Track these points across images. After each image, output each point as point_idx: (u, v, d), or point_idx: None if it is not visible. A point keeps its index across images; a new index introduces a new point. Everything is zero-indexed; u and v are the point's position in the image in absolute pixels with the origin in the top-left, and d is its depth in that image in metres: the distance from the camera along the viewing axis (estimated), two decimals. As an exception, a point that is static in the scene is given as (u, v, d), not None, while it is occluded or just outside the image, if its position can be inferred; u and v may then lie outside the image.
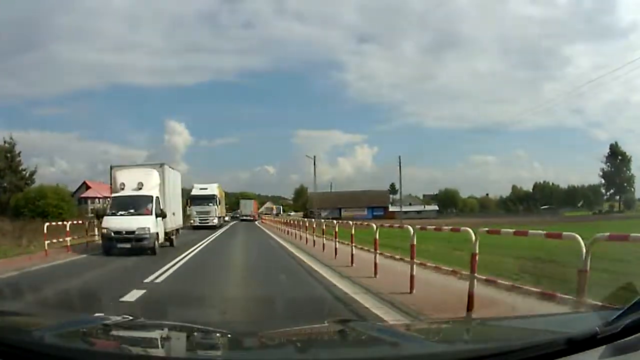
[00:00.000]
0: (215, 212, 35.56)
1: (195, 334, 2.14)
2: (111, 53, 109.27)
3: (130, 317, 2.38)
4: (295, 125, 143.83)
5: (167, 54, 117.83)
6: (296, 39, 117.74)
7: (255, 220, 61.15)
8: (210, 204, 35.34)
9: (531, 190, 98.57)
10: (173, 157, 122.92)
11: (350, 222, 13.30)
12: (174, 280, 9.08)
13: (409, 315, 5.72)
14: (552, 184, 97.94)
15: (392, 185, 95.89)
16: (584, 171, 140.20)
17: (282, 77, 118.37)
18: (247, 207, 66.75)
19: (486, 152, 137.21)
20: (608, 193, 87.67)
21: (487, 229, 6.95)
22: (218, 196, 36.75)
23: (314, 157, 62.12)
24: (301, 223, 24.40)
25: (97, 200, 79.38)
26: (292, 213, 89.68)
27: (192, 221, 33.57)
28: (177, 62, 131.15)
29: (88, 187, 79.71)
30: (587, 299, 4.68)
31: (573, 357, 1.56)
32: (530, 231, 6.62)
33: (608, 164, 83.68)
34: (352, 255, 10.95)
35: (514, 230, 6.89)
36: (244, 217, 61.94)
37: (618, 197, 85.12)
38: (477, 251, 6.16)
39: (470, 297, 5.82)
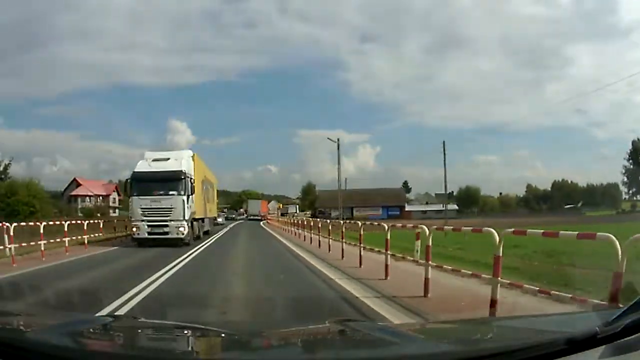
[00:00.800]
0: (184, 210, 18.07)
1: (196, 334, 2.14)
2: (114, 52, 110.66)
3: (130, 317, 2.40)
4: (297, 124, 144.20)
5: (170, 53, 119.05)
6: (299, 38, 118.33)
7: (263, 219, 61.26)
8: (172, 193, 18.03)
9: (549, 189, 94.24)
10: None
11: (385, 226, 10.72)
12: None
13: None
14: (571, 182, 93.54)
15: (405, 183, 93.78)
16: (585, 170, 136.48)
17: (284, 77, 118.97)
18: (255, 207, 72.17)
19: (489, 151, 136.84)
20: (630, 191, 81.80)
21: (512, 229, 6.30)
22: (192, 177, 18.94)
23: (337, 140, 50.66)
24: (314, 223, 21.07)
25: (87, 198, 75.53)
26: (298, 212, 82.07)
27: (134, 229, 18.34)
28: (180, 61, 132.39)
29: (79, 185, 77.50)
30: (620, 304, 4.43)
31: (573, 357, 1.56)
32: (561, 232, 6.05)
33: (631, 160, 76.99)
34: (386, 267, 9.19)
35: (542, 230, 6.28)
36: (252, 217, 65.68)
37: (640, 195, 79.56)
38: (501, 254, 5.79)
39: (494, 302, 5.53)
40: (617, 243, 4.51)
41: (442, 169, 50.52)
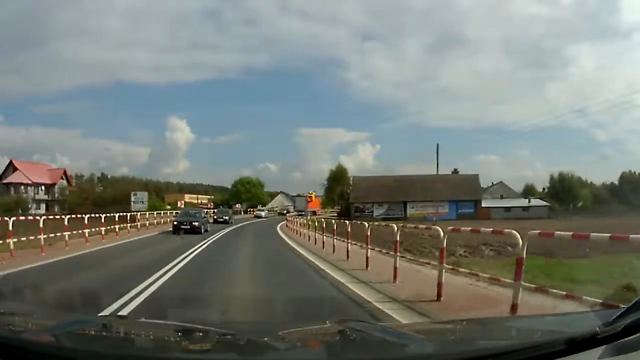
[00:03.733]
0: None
1: (196, 334, 2.13)
2: (114, 50, 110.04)
3: (131, 317, 2.40)
4: (297, 123, 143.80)
5: (170, 51, 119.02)
6: (299, 36, 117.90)
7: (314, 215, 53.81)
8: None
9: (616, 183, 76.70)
10: (175, 155, 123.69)
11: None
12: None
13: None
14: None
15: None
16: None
17: (285, 75, 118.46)
18: (302, 203, 71.25)
19: (490, 151, 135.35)
20: None
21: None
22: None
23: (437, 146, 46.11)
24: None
25: (23, 187, 56.74)
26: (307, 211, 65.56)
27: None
28: (180, 59, 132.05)
29: (15, 169, 59.74)
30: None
31: (573, 357, 1.56)
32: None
33: None
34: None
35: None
36: (300, 213, 66.79)
37: None
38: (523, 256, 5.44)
39: (514, 307, 5.36)
40: None
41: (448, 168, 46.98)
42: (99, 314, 4.75)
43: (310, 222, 24.84)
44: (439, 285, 7.05)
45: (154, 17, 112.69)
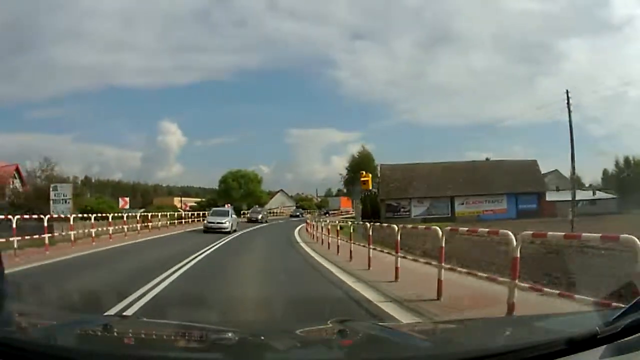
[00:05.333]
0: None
1: (197, 333, 2.15)
2: (104, 54, 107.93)
3: (132, 317, 2.39)
4: (289, 123, 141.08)
5: (161, 53, 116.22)
6: (289, 36, 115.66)
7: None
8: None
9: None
10: (167, 158, 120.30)
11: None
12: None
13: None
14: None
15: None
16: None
17: (276, 76, 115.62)
18: (335, 204, 77.14)
19: (484, 149, 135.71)
20: None
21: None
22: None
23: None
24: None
25: None
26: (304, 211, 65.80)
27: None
28: (171, 61, 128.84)
29: None
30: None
31: (573, 357, 1.56)
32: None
33: None
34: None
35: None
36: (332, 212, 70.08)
37: None
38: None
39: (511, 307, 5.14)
40: None
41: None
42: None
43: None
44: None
45: (145, 19, 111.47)
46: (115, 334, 2.08)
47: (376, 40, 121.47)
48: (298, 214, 59.21)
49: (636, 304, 1.66)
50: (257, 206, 51.54)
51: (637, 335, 1.56)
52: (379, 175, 48.19)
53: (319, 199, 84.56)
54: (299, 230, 28.60)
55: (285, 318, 5.40)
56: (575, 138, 33.67)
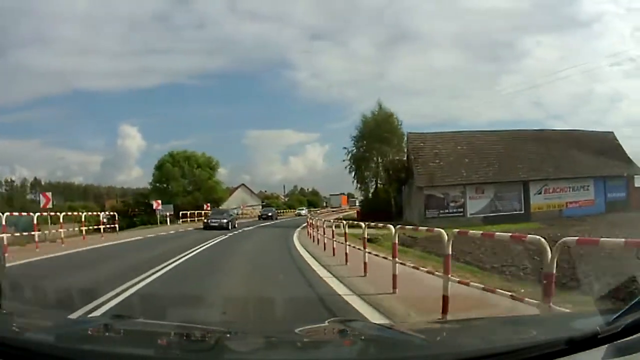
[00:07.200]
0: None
1: (195, 333, 2.15)
2: (70, 57, 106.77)
3: (131, 317, 2.39)
4: (247, 125, 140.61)
5: (123, 57, 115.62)
6: (249, 38, 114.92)
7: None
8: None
9: None
10: (127, 162, 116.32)
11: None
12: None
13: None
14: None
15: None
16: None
17: (235, 77, 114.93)
18: (336, 201, 78.53)
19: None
20: None
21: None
22: None
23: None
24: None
25: None
26: (304, 210, 55.07)
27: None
28: (133, 65, 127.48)
29: None
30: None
31: (574, 357, 1.56)
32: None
33: None
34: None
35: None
36: (334, 209, 69.76)
37: None
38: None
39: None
40: None
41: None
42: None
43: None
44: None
45: (108, 23, 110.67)
46: (115, 334, 2.09)
47: (335, 40, 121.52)
48: (270, 214, 43.86)
49: (637, 304, 1.65)
50: (218, 208, 39.57)
51: (638, 335, 1.56)
52: (405, 149, 33.83)
53: (286, 198, 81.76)
54: (300, 241, 18.38)
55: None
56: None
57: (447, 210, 29.89)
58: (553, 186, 30.57)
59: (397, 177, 35.22)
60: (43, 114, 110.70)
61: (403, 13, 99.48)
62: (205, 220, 29.50)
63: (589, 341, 1.58)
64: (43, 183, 73.20)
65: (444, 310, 5.49)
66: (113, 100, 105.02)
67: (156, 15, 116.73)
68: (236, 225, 29.60)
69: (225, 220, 28.26)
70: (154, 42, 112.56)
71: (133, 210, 40.77)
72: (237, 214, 40.99)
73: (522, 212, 30.06)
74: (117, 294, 7.03)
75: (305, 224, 24.07)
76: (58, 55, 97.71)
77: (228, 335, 2.10)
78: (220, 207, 39.64)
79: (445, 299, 5.54)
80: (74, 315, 4.56)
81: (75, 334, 1.98)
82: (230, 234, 23.02)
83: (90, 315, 5.38)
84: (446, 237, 5.95)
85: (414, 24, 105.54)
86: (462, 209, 30.21)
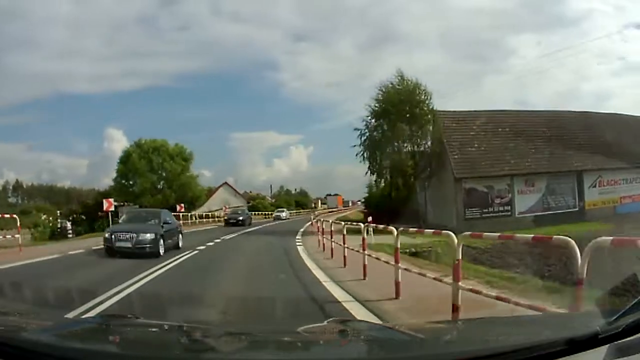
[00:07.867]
0: None
1: (195, 333, 2.14)
2: (55, 61, 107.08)
3: (130, 317, 2.40)
4: (231, 127, 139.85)
5: (108, 59, 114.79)
6: (232, 40, 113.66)
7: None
8: None
9: None
10: (112, 165, 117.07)
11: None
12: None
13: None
14: None
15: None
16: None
17: (219, 79, 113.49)
18: (333, 202, 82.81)
19: None
20: None
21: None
22: None
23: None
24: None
25: None
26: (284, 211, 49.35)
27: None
28: (117, 67, 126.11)
29: None
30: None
31: (574, 357, 1.55)
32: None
33: None
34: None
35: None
36: (332, 209, 72.28)
37: None
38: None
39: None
40: None
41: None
42: None
43: None
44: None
45: (92, 26, 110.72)
46: (115, 334, 2.09)
47: (319, 41, 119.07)
48: (242, 218, 33.28)
49: (637, 304, 1.65)
50: (234, 207, 36.57)
51: (638, 335, 1.55)
52: (431, 129, 26.27)
53: (273, 199, 75.09)
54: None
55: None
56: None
57: (491, 209, 24.47)
58: (607, 178, 25.45)
59: (425, 167, 26.75)
60: (29, 117, 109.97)
61: (388, 13, 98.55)
62: (226, 218, 34.73)
63: (590, 341, 1.57)
64: (25, 186, 73.23)
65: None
66: (98, 103, 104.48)
67: (140, 18, 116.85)
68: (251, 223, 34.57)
69: (241, 218, 32.89)
70: (138, 44, 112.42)
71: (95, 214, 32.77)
72: (217, 217, 38.04)
73: (576, 209, 24.85)
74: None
75: (299, 237, 19.22)
76: (43, 59, 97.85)
77: (228, 335, 2.10)
78: (236, 207, 45.88)
79: (454, 307, 4.94)
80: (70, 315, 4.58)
81: (75, 334, 1.98)
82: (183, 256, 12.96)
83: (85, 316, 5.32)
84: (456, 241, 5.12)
85: (399, 24, 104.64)
86: (509, 207, 24.65)
